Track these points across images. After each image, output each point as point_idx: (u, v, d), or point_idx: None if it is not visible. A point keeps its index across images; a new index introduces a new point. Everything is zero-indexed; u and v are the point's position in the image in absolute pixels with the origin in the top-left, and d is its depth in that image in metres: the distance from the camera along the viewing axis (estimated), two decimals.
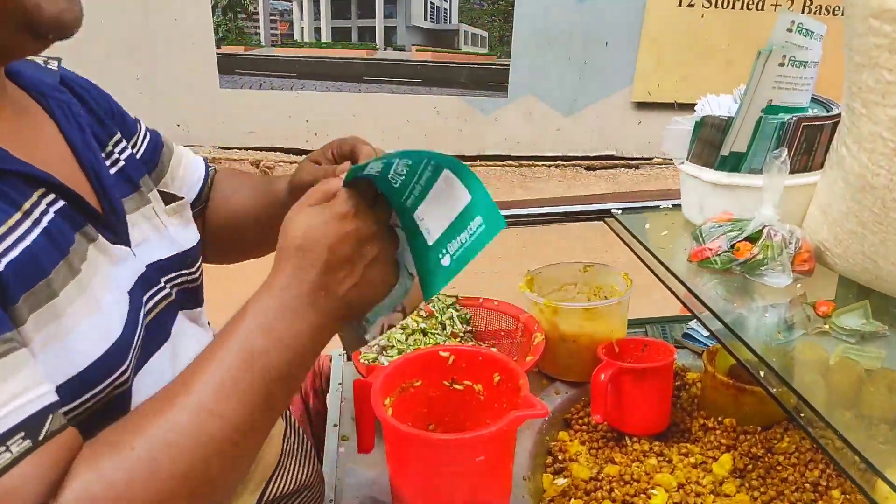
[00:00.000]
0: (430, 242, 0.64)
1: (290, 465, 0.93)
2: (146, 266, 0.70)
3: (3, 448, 0.48)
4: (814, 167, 1.07)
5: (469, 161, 5.28)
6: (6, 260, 0.53)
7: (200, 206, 0.94)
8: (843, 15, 0.89)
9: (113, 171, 0.73)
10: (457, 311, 1.33)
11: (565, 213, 1.40)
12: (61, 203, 0.61)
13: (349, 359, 1.33)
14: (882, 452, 0.68)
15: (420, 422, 1.01)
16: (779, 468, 1.08)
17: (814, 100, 1.11)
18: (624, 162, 5.39)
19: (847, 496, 1.02)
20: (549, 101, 5.28)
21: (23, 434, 0.49)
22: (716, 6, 4.93)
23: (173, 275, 0.76)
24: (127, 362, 0.62)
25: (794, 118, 1.04)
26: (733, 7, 4.94)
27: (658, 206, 1.33)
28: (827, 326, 0.90)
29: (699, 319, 0.98)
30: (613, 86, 5.23)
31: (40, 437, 0.50)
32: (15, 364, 0.50)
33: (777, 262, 0.96)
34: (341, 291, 0.60)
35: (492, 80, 5.22)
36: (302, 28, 5.08)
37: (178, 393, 0.55)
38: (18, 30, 0.58)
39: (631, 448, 1.14)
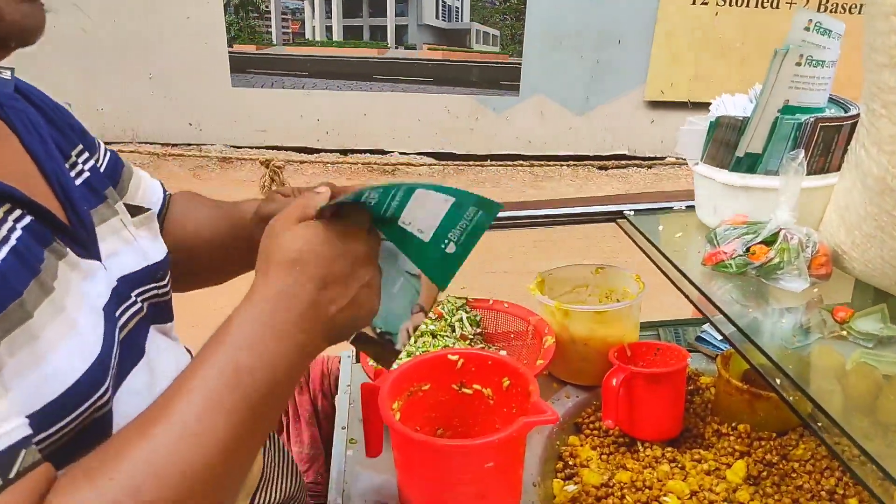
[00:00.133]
0: (427, 238, 0.64)
1: (274, 479, 0.91)
2: (117, 280, 0.67)
3: None
4: (831, 169, 1.05)
5: (480, 160, 5.28)
6: None
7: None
8: (860, 13, 0.87)
9: (78, 181, 0.70)
10: (467, 312, 1.32)
11: (577, 214, 1.38)
12: (28, 219, 0.58)
13: (357, 360, 1.32)
14: None
15: (428, 426, 1.00)
16: (794, 476, 1.06)
17: (831, 100, 1.09)
18: (636, 162, 5.36)
19: None
20: (561, 100, 5.26)
21: None
22: (730, 4, 4.89)
23: (144, 288, 0.73)
24: (107, 382, 0.59)
25: (812, 119, 1.02)
26: (747, 5, 4.89)
27: (671, 208, 1.32)
28: (844, 331, 0.88)
29: (712, 323, 0.96)
30: (626, 85, 5.20)
31: (11, 475, 0.47)
32: None
33: (793, 266, 0.94)
34: (332, 311, 0.59)
35: (503, 79, 5.21)
36: (313, 27, 5.08)
37: (159, 415, 0.52)
38: None
39: (643, 454, 1.12)
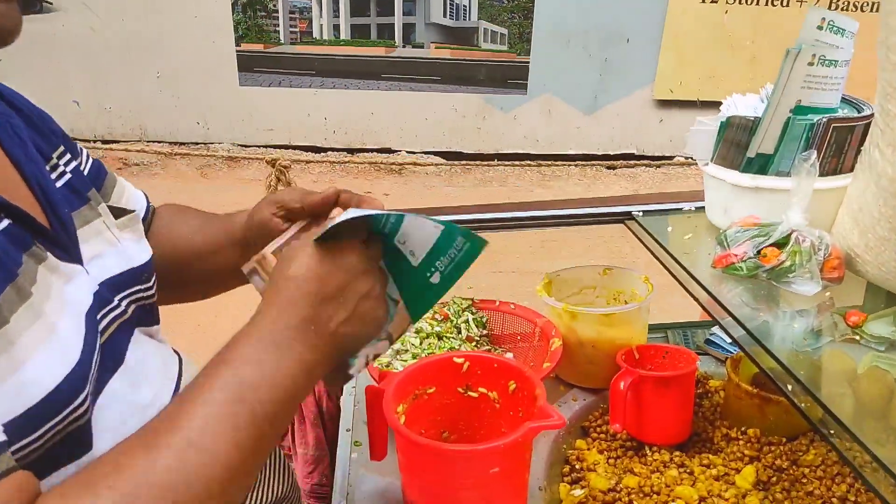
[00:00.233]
0: (417, 263, 0.64)
1: (267, 479, 0.91)
2: (99, 283, 0.66)
3: None
4: (844, 170, 1.04)
5: (487, 159, 5.27)
6: None
7: None
8: (873, 10, 0.85)
9: (59, 183, 0.69)
10: (473, 314, 1.31)
11: (585, 215, 1.37)
12: (6, 222, 0.57)
13: None
14: None
15: (433, 429, 0.99)
16: (804, 481, 1.05)
17: (844, 100, 1.07)
18: (645, 161, 5.33)
19: None
20: (569, 98, 5.24)
21: None
22: (739, 2, 4.86)
23: (129, 291, 0.72)
24: (86, 389, 0.57)
25: (824, 119, 1.00)
26: (757, 3, 4.86)
27: (680, 209, 1.30)
28: (855, 335, 0.86)
29: (721, 326, 0.95)
30: (635, 83, 5.17)
31: None
32: None
33: (805, 269, 0.92)
34: (332, 326, 0.59)
35: (511, 78, 5.19)
36: (321, 25, 5.08)
37: (163, 427, 0.52)
38: None
39: (651, 458, 1.11)
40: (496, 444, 0.83)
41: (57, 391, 0.54)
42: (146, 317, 0.75)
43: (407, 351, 1.20)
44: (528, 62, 5.13)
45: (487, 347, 1.28)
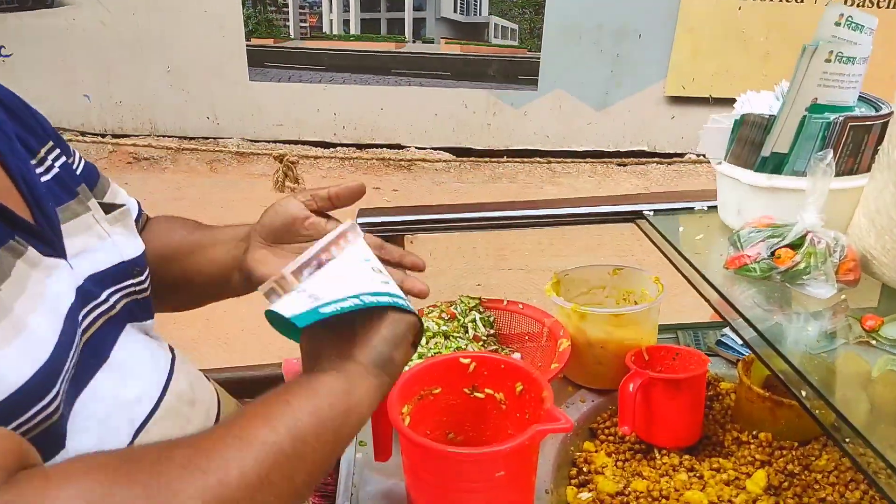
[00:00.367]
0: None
1: None
2: (85, 278, 0.66)
3: None
4: (860, 170, 1.01)
5: (497, 156, 5.25)
6: None
7: None
8: (890, 6, 0.83)
9: (46, 178, 0.69)
10: (480, 313, 1.29)
11: (595, 213, 1.35)
12: None
13: None
14: None
15: (439, 430, 0.98)
16: (816, 487, 1.03)
17: (861, 98, 1.05)
18: (656, 158, 5.29)
19: None
20: (579, 94, 5.21)
21: None
22: None
23: (119, 285, 0.71)
24: (56, 388, 0.57)
25: (841, 118, 0.98)
26: None
27: (692, 208, 1.28)
28: (870, 338, 0.84)
29: (732, 327, 0.93)
30: (646, 79, 5.13)
31: None
32: None
33: (820, 272, 0.90)
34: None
35: (522, 74, 5.16)
36: (331, 20, 5.07)
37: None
38: None
39: (660, 462, 1.09)
40: (502, 448, 0.82)
41: (24, 389, 0.54)
42: (139, 311, 0.75)
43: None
44: (538, 57, 5.10)
45: (495, 347, 1.26)
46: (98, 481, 0.45)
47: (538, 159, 5.26)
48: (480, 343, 1.24)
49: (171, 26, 5.03)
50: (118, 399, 0.66)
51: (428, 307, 1.29)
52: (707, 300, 0.99)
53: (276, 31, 5.08)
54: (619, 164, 5.29)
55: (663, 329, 1.38)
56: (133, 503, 0.44)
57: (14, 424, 0.53)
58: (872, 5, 4.63)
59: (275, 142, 5.35)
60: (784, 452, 1.09)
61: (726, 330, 1.39)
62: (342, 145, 5.38)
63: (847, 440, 0.69)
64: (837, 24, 0.96)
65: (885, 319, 0.86)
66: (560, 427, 0.82)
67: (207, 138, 5.37)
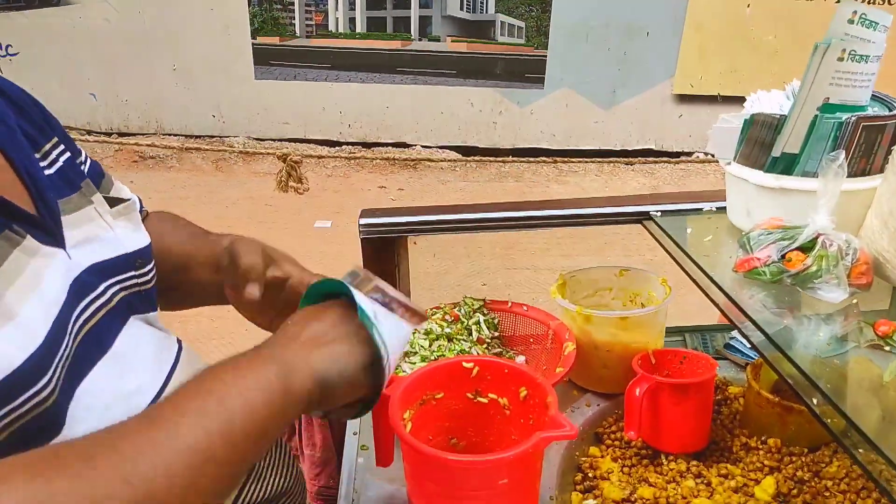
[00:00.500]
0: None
1: (264, 473, 0.89)
2: (84, 269, 0.66)
3: None
4: (873, 171, 0.99)
5: (503, 155, 5.23)
6: None
7: None
8: None
9: (50, 171, 0.70)
10: (484, 315, 1.28)
11: (602, 214, 1.33)
12: None
13: None
14: None
15: (441, 435, 0.97)
16: (826, 494, 1.01)
17: (875, 97, 1.03)
18: (664, 157, 5.26)
19: None
20: (586, 93, 5.18)
21: None
22: None
23: (119, 277, 0.71)
24: (49, 375, 0.57)
25: (853, 118, 0.96)
26: None
27: (700, 209, 1.26)
28: (882, 341, 0.82)
29: (740, 330, 0.91)
30: (654, 78, 5.11)
31: None
32: None
33: (832, 275, 0.88)
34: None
35: (528, 72, 5.14)
36: (337, 19, 5.06)
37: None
38: None
39: (667, 467, 1.07)
40: (504, 456, 0.80)
41: (14, 375, 0.54)
42: (141, 304, 0.75)
43: (416, 353, 1.17)
44: (545, 56, 5.08)
45: (499, 350, 1.24)
46: (25, 479, 0.45)
47: (544, 158, 5.23)
48: (484, 345, 1.23)
49: (177, 25, 5.04)
50: (118, 390, 0.66)
51: (431, 309, 1.27)
52: (715, 303, 0.97)
53: (281, 29, 5.08)
54: (627, 163, 5.26)
55: (671, 331, 1.36)
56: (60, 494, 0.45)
57: (6, 409, 0.54)
58: (884, 2, 4.59)
59: (280, 140, 5.34)
60: (793, 459, 1.07)
61: (735, 333, 1.37)
62: (348, 144, 5.37)
63: (858, 447, 0.68)
64: (851, 21, 0.94)
65: None
66: (564, 434, 0.81)
67: (213, 137, 5.38)
